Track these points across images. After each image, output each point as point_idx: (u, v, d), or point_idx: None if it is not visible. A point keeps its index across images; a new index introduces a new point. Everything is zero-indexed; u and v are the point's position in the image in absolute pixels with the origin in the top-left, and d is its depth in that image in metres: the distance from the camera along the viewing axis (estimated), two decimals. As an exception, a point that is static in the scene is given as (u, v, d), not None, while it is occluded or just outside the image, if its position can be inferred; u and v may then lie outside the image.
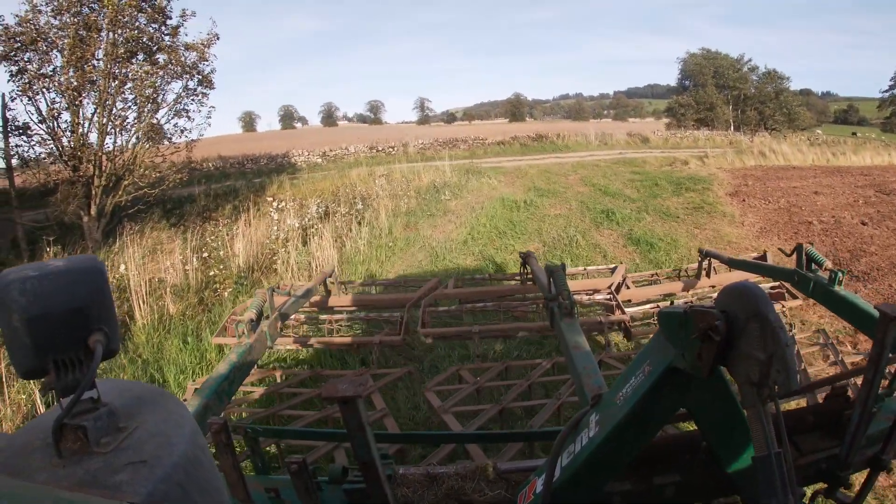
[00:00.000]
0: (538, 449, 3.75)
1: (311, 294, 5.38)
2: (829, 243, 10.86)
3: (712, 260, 6.19)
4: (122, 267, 8.45)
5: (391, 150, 35.06)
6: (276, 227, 11.28)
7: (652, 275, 6.99)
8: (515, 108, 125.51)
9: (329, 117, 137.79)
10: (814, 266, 3.76)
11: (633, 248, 10.79)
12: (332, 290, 6.26)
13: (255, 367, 5.04)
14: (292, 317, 5.72)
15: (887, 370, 1.96)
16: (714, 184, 18.28)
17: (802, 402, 4.11)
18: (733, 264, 5.51)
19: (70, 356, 0.83)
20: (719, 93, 54.38)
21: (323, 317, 6.13)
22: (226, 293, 8.25)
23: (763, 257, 6.17)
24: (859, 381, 2.03)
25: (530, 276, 5.77)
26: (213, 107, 16.67)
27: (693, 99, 54.85)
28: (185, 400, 2.69)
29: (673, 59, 60.92)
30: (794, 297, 5.69)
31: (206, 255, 9.27)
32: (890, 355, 1.93)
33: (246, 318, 3.59)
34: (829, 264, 3.73)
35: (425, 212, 14.43)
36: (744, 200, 15.62)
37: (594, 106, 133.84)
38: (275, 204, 12.72)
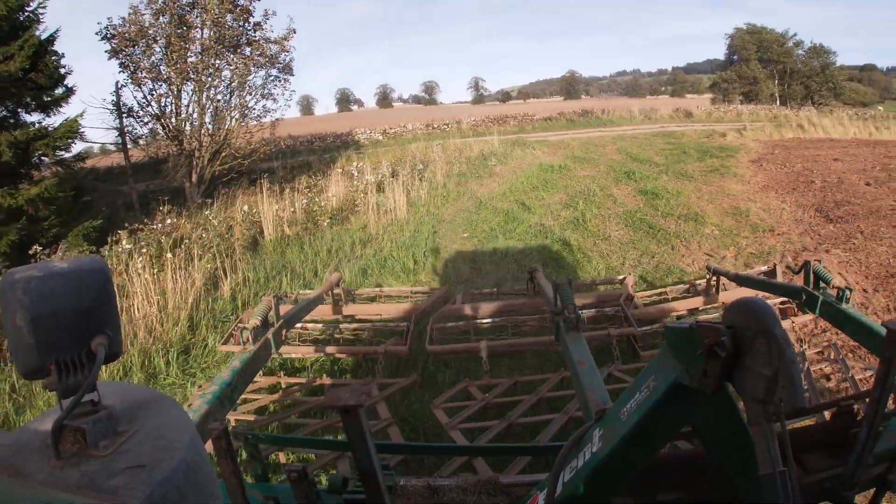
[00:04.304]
0: (543, 463, 3.74)
1: (317, 302, 5.42)
2: (819, 197, 11.80)
3: (721, 277, 6.17)
4: (245, 207, 11.72)
5: (445, 127, 37.16)
6: (356, 182, 14.37)
7: (661, 293, 6.96)
8: (570, 86, 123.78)
9: (384, 99, 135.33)
10: (822, 284, 3.74)
11: (642, 197, 12.76)
12: (339, 299, 6.42)
13: (260, 374, 5.29)
14: (298, 325, 5.92)
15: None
16: (741, 152, 19.33)
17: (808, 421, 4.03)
18: (740, 281, 5.41)
19: (72, 358, 0.85)
20: (764, 67, 54.65)
21: (329, 325, 6.26)
22: (325, 223, 11.43)
23: (773, 272, 6.28)
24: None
25: (538, 290, 5.76)
26: (294, 90, 19.66)
27: (736, 74, 55.42)
28: (189, 405, 2.85)
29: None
30: (806, 313, 5.36)
31: (304, 201, 12.39)
32: None
33: (250, 326, 3.60)
34: (836, 282, 3.69)
35: (474, 174, 16.73)
36: (761, 165, 16.53)
37: (651, 82, 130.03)
38: (355, 164, 15.92)
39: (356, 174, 15.31)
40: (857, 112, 38.67)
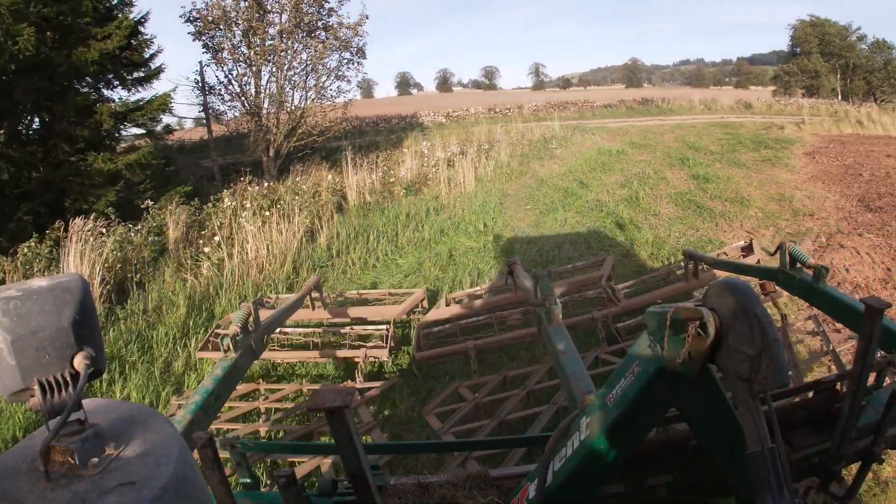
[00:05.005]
0: (532, 455, 3.74)
1: (297, 306, 5.41)
2: (864, 188, 12.28)
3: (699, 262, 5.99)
4: (329, 177, 13.25)
5: (507, 111, 37.96)
6: (426, 158, 15.77)
7: (642, 280, 6.80)
8: (632, 74, 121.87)
9: (444, 83, 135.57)
10: (798, 265, 3.62)
11: (693, 181, 13.47)
12: (318, 303, 6.37)
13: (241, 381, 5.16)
14: (277, 330, 5.91)
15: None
16: (796, 145, 19.48)
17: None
18: (717, 266, 5.34)
19: (56, 377, 0.83)
20: (826, 61, 53.12)
21: (309, 330, 6.25)
22: (401, 193, 12.85)
23: (749, 247, 6.38)
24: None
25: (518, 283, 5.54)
26: (367, 72, 21.05)
27: (798, 67, 54.10)
28: (171, 416, 2.82)
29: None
30: None
31: (380, 173, 13.81)
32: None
33: (230, 333, 3.58)
34: (812, 261, 3.55)
35: (536, 156, 17.65)
36: (814, 158, 16.71)
37: (716, 73, 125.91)
38: (424, 143, 17.40)
39: (426, 152, 16.69)
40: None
